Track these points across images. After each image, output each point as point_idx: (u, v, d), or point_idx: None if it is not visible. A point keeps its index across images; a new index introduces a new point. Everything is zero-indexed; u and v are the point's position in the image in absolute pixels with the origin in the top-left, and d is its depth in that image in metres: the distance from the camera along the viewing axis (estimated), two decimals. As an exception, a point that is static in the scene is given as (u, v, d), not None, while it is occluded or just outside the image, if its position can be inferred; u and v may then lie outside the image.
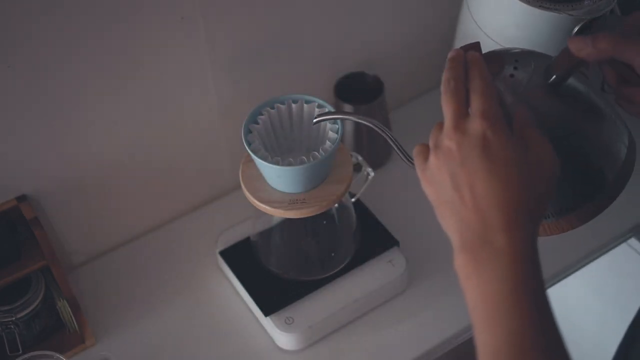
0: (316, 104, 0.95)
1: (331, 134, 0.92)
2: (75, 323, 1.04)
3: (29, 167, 1.00)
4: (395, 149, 0.77)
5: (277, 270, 1.06)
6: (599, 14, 0.92)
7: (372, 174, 1.05)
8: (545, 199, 0.64)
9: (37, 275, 1.02)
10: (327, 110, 0.94)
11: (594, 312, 1.49)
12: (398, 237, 1.10)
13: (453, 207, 0.64)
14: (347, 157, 0.97)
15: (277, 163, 0.89)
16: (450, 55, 0.70)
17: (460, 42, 1.06)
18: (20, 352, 0.99)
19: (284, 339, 1.03)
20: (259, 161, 0.90)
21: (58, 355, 0.94)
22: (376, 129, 0.78)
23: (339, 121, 0.92)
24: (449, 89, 0.66)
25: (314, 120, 0.86)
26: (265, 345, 1.05)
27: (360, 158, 1.04)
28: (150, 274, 1.13)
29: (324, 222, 1.04)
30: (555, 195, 0.66)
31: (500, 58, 0.71)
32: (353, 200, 1.09)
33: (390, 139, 0.78)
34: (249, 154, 0.93)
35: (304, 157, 0.90)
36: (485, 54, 0.71)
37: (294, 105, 0.95)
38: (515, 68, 0.70)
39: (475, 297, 0.62)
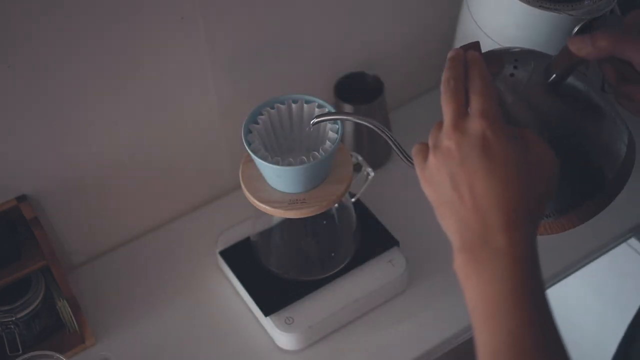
0: (316, 104, 0.95)
1: (331, 134, 0.92)
2: (75, 323, 1.04)
3: (29, 167, 1.00)
4: (395, 149, 0.77)
5: (277, 270, 1.06)
6: (599, 14, 0.92)
7: (372, 174, 1.05)
8: (545, 199, 0.64)
9: (37, 275, 1.02)
10: (327, 110, 0.94)
11: (594, 312, 1.49)
12: (398, 237, 1.10)
13: (452, 207, 0.64)
14: (347, 157, 0.97)
15: (277, 163, 0.89)
16: (450, 54, 0.70)
17: (460, 42, 1.06)
18: (20, 352, 0.99)
19: (284, 339, 1.03)
20: (259, 161, 0.90)
21: (58, 355, 0.94)
22: (375, 129, 0.78)
23: (339, 121, 0.92)
24: (449, 89, 0.66)
25: (313, 122, 0.86)
26: (265, 345, 1.05)
27: (360, 158, 1.04)
28: (150, 274, 1.13)
29: (324, 222, 1.04)
30: (556, 195, 0.66)
31: (500, 57, 0.71)
32: (353, 200, 1.09)
33: (390, 139, 0.78)
34: (249, 154, 0.93)
35: (304, 157, 0.90)
36: (485, 53, 0.71)
37: (294, 105, 0.95)
38: (515, 67, 0.70)
39: (474, 297, 0.62)
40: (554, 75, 0.69)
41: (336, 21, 1.14)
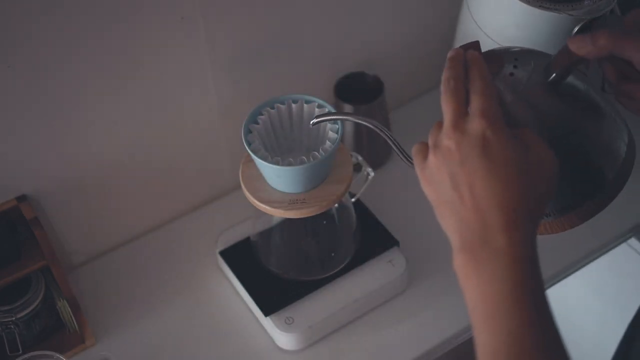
0: (316, 104, 0.95)
1: (331, 134, 0.92)
2: (75, 323, 1.04)
3: (29, 167, 1.00)
4: (395, 148, 0.77)
5: (277, 270, 1.06)
6: (599, 14, 0.92)
7: (372, 174, 1.05)
8: (545, 199, 0.64)
9: (37, 275, 1.02)
10: (327, 110, 0.94)
11: (594, 312, 1.49)
12: (398, 237, 1.10)
13: (452, 206, 0.64)
14: (347, 157, 0.97)
15: (277, 163, 0.89)
16: (449, 54, 0.70)
17: (460, 42, 1.06)
18: (20, 352, 0.99)
19: (284, 339, 1.03)
20: (259, 161, 0.90)
21: (58, 355, 0.94)
22: (375, 129, 0.78)
23: (339, 121, 0.92)
24: (449, 89, 0.66)
25: (313, 122, 0.86)
26: (265, 345, 1.05)
27: (360, 158, 1.04)
28: (150, 274, 1.13)
29: (324, 222, 1.04)
30: (555, 194, 0.66)
31: (500, 57, 0.71)
32: (353, 200, 1.09)
33: (390, 139, 0.78)
34: (249, 154, 0.93)
35: (304, 157, 0.90)
36: (484, 53, 0.72)
37: (294, 105, 0.95)
38: (514, 67, 0.70)
39: (474, 297, 0.62)
40: (554, 75, 0.69)
41: (336, 21, 1.14)
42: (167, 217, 1.19)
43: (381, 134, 0.78)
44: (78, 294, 1.08)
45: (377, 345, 1.04)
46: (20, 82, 0.92)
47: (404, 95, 1.32)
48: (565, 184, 0.69)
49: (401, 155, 0.77)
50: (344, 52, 1.19)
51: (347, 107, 1.15)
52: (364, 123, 0.79)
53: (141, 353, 1.05)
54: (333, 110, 0.94)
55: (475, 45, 0.70)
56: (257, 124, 0.93)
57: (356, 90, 1.17)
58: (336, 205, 1.03)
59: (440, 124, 0.66)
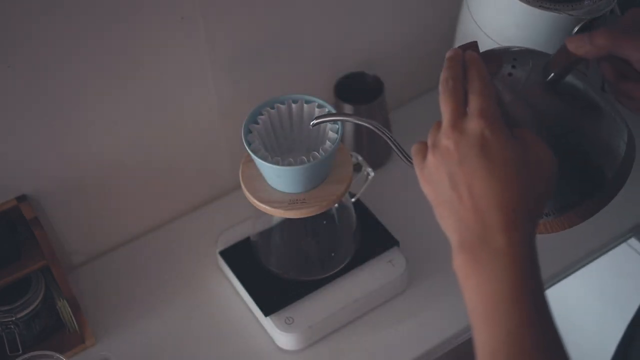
0: (316, 104, 0.95)
1: (331, 134, 0.92)
2: (75, 323, 1.04)
3: (29, 167, 1.00)
4: (394, 148, 0.77)
5: (277, 270, 1.06)
6: (599, 14, 0.92)
7: (372, 174, 1.05)
8: (544, 198, 0.64)
9: (37, 275, 1.02)
10: (327, 110, 0.94)
11: (594, 312, 1.49)
12: (398, 237, 1.10)
13: (451, 206, 0.64)
14: (347, 157, 0.97)
15: (277, 163, 0.89)
16: (448, 55, 0.70)
17: (460, 42, 1.06)
18: (20, 352, 0.99)
19: (284, 339, 1.03)
20: (259, 161, 0.90)
21: (58, 355, 0.94)
22: (374, 129, 0.78)
23: (339, 121, 0.92)
24: (447, 89, 0.66)
25: (312, 123, 0.86)
26: (265, 345, 1.05)
27: (360, 158, 1.04)
28: (150, 274, 1.13)
29: (324, 222, 1.04)
30: (555, 194, 0.66)
31: (499, 57, 0.71)
32: (353, 200, 1.09)
33: (389, 139, 0.78)
34: (249, 154, 0.93)
35: (304, 157, 0.90)
36: (483, 52, 0.72)
37: (294, 105, 0.95)
38: (513, 67, 0.70)
39: (474, 297, 0.62)
40: (552, 74, 0.69)
41: (336, 21, 1.14)
42: (167, 217, 1.19)
43: (380, 134, 0.78)
44: (78, 294, 1.08)
45: (377, 345, 1.04)
46: (20, 82, 0.92)
47: (404, 95, 1.32)
48: (564, 183, 0.69)
49: (401, 155, 0.77)
50: (344, 52, 1.19)
51: (347, 107, 1.15)
52: (364, 124, 0.79)
53: (141, 353, 1.05)
54: (333, 110, 0.94)
55: (474, 45, 0.70)
56: (257, 124, 0.94)
57: (356, 90, 1.17)
58: (336, 205, 1.03)
59: (439, 124, 0.66)
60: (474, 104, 0.64)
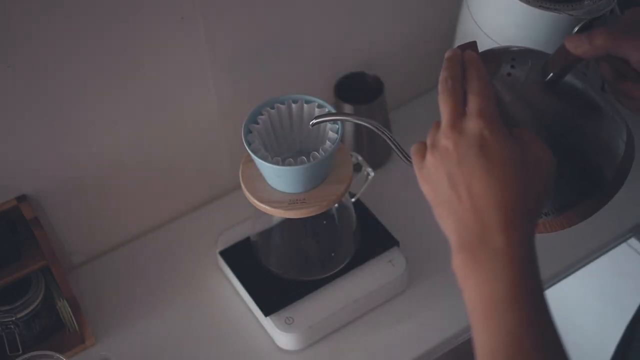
0: (316, 104, 0.95)
1: (331, 134, 0.92)
2: (75, 323, 1.04)
3: (29, 167, 1.00)
4: (394, 148, 0.77)
5: (277, 270, 1.06)
6: (599, 14, 0.92)
7: (372, 174, 1.05)
8: (543, 198, 0.64)
9: (37, 275, 1.02)
10: (327, 110, 0.94)
11: (594, 312, 1.49)
12: (398, 237, 1.10)
13: (450, 206, 0.64)
14: (347, 157, 0.97)
15: (277, 163, 0.89)
16: (447, 54, 0.70)
17: (460, 42, 1.06)
18: (20, 352, 0.99)
19: (284, 339, 1.03)
20: (259, 161, 0.90)
21: (58, 355, 0.94)
22: (374, 129, 0.78)
23: (339, 121, 0.92)
24: (446, 89, 0.66)
25: (312, 123, 0.86)
26: (265, 345, 1.05)
27: (360, 158, 1.04)
28: (150, 274, 1.13)
29: (324, 222, 1.04)
30: (554, 193, 0.66)
31: (498, 57, 0.71)
32: (353, 200, 1.09)
33: (389, 138, 0.78)
34: (249, 154, 0.93)
35: (304, 157, 0.90)
36: (482, 52, 0.72)
37: (294, 105, 0.95)
38: (512, 66, 0.70)
39: (473, 297, 0.62)
40: (552, 74, 0.69)
41: (336, 21, 1.14)
42: (167, 217, 1.19)
43: (380, 133, 0.78)
44: (78, 294, 1.08)
45: (377, 345, 1.04)
46: (20, 82, 0.92)
47: (404, 95, 1.32)
48: (563, 182, 0.69)
49: (400, 155, 0.77)
50: (344, 52, 1.19)
51: (347, 107, 1.15)
52: (364, 123, 0.79)
53: (141, 353, 1.05)
54: (333, 110, 0.94)
55: (473, 45, 0.71)
56: (257, 124, 0.94)
57: (356, 90, 1.17)
58: (336, 205, 1.03)
59: (438, 124, 0.66)
60: (472, 103, 0.64)
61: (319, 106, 0.94)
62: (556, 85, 0.70)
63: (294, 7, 1.08)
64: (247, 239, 1.09)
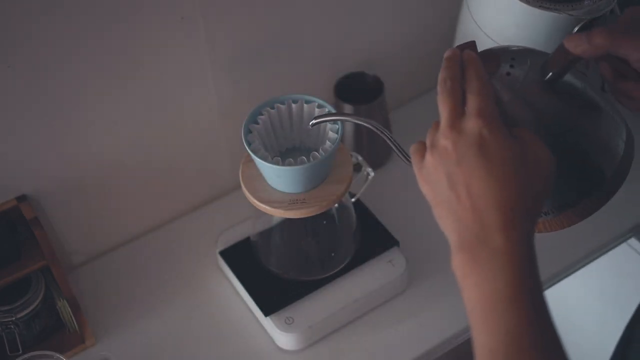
0: (316, 104, 0.95)
1: (331, 134, 0.92)
2: (75, 323, 1.04)
3: (29, 167, 1.00)
4: (394, 148, 0.77)
5: (277, 270, 1.06)
6: (599, 14, 0.92)
7: (372, 174, 1.05)
8: (542, 197, 0.64)
9: (37, 275, 1.02)
10: (327, 110, 0.94)
11: (594, 312, 1.49)
12: (398, 237, 1.10)
13: (450, 206, 0.64)
14: (347, 157, 0.97)
15: (277, 163, 0.89)
16: (446, 54, 0.70)
17: (460, 42, 1.06)
18: (20, 352, 0.99)
19: (284, 339, 1.03)
20: (259, 161, 0.90)
21: (58, 355, 0.94)
22: (374, 129, 0.78)
23: (339, 121, 0.92)
24: (445, 89, 0.66)
25: (311, 123, 0.86)
26: (265, 345, 1.05)
27: (360, 158, 1.04)
28: (150, 274, 1.13)
29: (324, 222, 1.04)
30: (554, 193, 0.66)
31: (497, 56, 0.71)
32: (353, 200, 1.09)
33: (388, 138, 0.78)
34: (249, 154, 0.93)
35: (304, 157, 0.90)
36: (481, 52, 0.72)
37: (294, 105, 0.95)
38: (511, 66, 0.70)
39: (472, 296, 0.62)
40: (551, 73, 0.69)
41: (336, 21, 1.14)
42: (167, 217, 1.19)
43: (380, 133, 0.78)
44: (78, 294, 1.08)
45: (377, 345, 1.04)
46: (20, 82, 0.92)
47: (404, 95, 1.32)
48: (563, 182, 0.69)
49: (400, 155, 0.77)
50: (344, 52, 1.19)
51: (347, 107, 1.15)
52: (363, 123, 0.79)
53: (141, 353, 1.05)
54: (333, 110, 0.94)
55: (472, 45, 0.71)
56: (257, 124, 0.94)
57: (356, 90, 1.17)
58: (336, 205, 1.03)
59: (438, 124, 0.66)
60: (472, 103, 0.64)
61: (319, 106, 0.94)
62: (555, 85, 0.70)
63: (294, 7, 1.08)
64: (247, 239, 1.09)
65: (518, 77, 0.70)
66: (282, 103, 0.95)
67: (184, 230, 1.18)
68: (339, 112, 1.11)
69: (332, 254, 1.07)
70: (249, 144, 0.91)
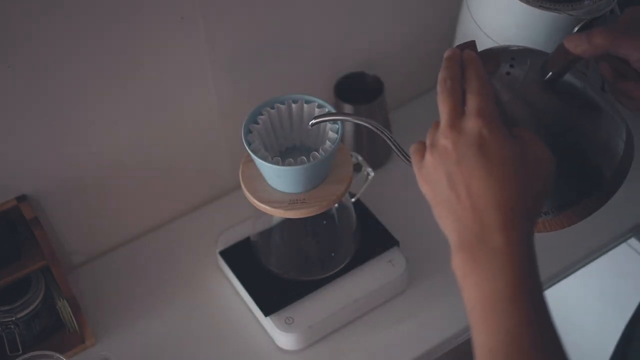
0: (316, 104, 0.95)
1: (331, 134, 0.92)
2: (75, 323, 1.04)
3: (29, 167, 1.00)
4: (393, 148, 0.77)
5: (277, 270, 1.06)
6: (599, 14, 0.92)
7: (372, 174, 1.05)
8: (542, 197, 0.64)
9: (37, 275, 1.02)
10: (327, 110, 0.94)
11: (594, 312, 1.49)
12: (398, 237, 1.10)
13: (450, 206, 0.64)
14: (347, 157, 0.97)
15: (277, 163, 0.89)
16: (446, 54, 0.70)
17: (459, 42, 1.06)
18: (20, 352, 0.99)
19: (284, 339, 1.03)
20: (259, 161, 0.90)
21: (58, 355, 0.94)
22: (373, 128, 0.78)
23: (338, 121, 0.92)
24: (445, 89, 0.66)
25: (311, 123, 0.86)
26: (265, 345, 1.05)
27: (360, 158, 1.04)
28: (150, 274, 1.13)
29: (324, 222, 1.04)
30: (553, 193, 0.66)
31: (497, 56, 0.71)
32: (353, 200, 1.09)
33: (388, 138, 0.78)
34: (249, 154, 0.93)
35: (304, 157, 0.90)
36: (481, 52, 0.72)
37: (294, 105, 0.95)
38: (511, 65, 0.70)
39: (472, 296, 0.62)
40: (551, 73, 0.69)
41: (336, 21, 1.14)
42: (167, 217, 1.19)
43: (379, 133, 0.78)
44: (78, 294, 1.08)
45: (377, 345, 1.04)
46: (20, 82, 0.92)
47: (404, 95, 1.32)
48: (563, 181, 0.69)
49: (400, 155, 0.77)
50: (344, 52, 1.19)
51: (347, 107, 1.15)
52: (363, 123, 0.79)
53: (141, 353, 1.05)
54: (333, 110, 0.94)
55: (471, 44, 0.71)
56: (257, 124, 0.94)
57: (356, 90, 1.17)
58: (336, 205, 1.03)
59: (437, 124, 0.66)
60: (471, 103, 0.64)
61: (319, 106, 0.94)
62: (555, 85, 0.70)
63: (294, 7, 1.08)
64: (247, 239, 1.09)
65: (518, 76, 0.70)
66: (282, 103, 0.95)
67: (184, 230, 1.18)
68: (339, 112, 1.11)
69: (332, 254, 1.07)
70: (249, 144, 0.91)
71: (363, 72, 1.19)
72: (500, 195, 0.61)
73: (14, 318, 0.99)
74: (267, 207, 0.94)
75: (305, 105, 0.95)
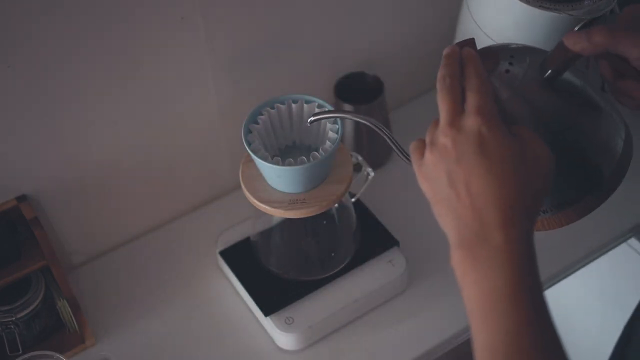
0: (316, 104, 0.95)
1: (331, 134, 0.92)
2: (75, 323, 1.04)
3: (29, 167, 1.00)
4: (393, 146, 0.77)
5: (277, 270, 1.06)
6: (599, 14, 0.92)
7: (372, 174, 1.05)
8: (541, 195, 0.64)
9: (37, 275, 1.02)
10: (326, 109, 0.94)
11: (594, 312, 1.49)
12: (398, 237, 1.10)
13: (449, 204, 0.64)
14: (347, 157, 0.97)
15: (277, 163, 0.89)
16: (445, 52, 0.70)
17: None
18: (20, 352, 0.99)
19: (284, 339, 1.03)
20: (259, 161, 0.90)
21: (58, 355, 0.94)
22: (372, 126, 0.79)
23: (338, 121, 0.92)
24: (445, 86, 0.66)
25: (310, 120, 0.86)
26: (265, 345, 1.05)
27: (360, 158, 1.04)
28: (150, 274, 1.13)
29: (324, 222, 1.04)
30: (552, 191, 0.66)
31: (496, 54, 0.71)
32: (353, 200, 1.09)
33: (388, 136, 0.78)
34: (249, 154, 0.93)
35: (304, 157, 0.90)
36: (480, 49, 0.72)
37: (294, 105, 0.95)
38: (510, 64, 0.70)
39: (472, 294, 0.62)
40: (550, 71, 0.69)
41: (336, 21, 1.14)
42: (167, 217, 1.19)
43: (379, 131, 0.78)
44: (78, 294, 1.08)
45: (377, 345, 1.04)
46: (20, 82, 0.92)
47: (404, 95, 1.32)
48: (562, 179, 0.69)
49: (399, 153, 0.77)
50: (344, 52, 1.19)
51: (347, 107, 1.15)
52: (362, 121, 0.79)
53: (141, 353, 1.05)
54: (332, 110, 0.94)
55: (471, 42, 0.71)
56: (257, 124, 0.94)
57: (356, 90, 1.17)
58: (336, 205, 1.03)
59: (437, 122, 0.66)
60: (471, 101, 0.64)
61: (319, 106, 0.94)
62: (554, 82, 0.70)
63: (294, 7, 1.08)
64: (247, 239, 1.09)
65: (517, 74, 0.70)
66: (282, 103, 0.95)
67: (184, 230, 1.18)
68: (337, 110, 1.11)
69: (332, 254, 1.06)
70: (249, 144, 0.91)
71: (363, 72, 1.19)
72: (499, 193, 0.61)
73: (14, 318, 0.99)
74: (267, 207, 0.94)
75: (305, 105, 0.95)
